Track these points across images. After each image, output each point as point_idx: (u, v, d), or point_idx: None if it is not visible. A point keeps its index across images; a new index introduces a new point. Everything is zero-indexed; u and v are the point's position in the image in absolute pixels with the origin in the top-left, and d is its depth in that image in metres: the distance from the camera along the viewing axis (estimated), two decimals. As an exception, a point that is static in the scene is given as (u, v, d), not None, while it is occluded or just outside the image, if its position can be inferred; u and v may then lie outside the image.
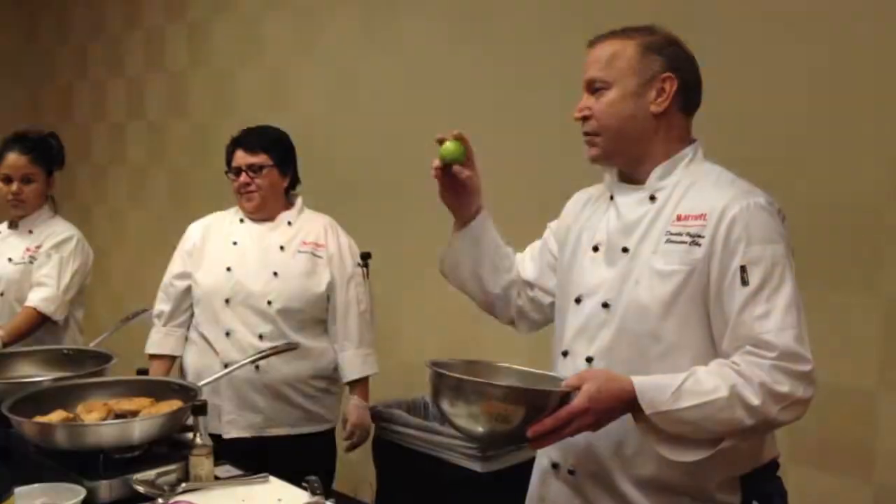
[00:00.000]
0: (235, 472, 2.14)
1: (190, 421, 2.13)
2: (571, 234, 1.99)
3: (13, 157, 3.30)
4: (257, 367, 2.84)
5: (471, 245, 2.05)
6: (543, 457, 1.96)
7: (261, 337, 2.88)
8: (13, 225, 3.40)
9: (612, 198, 1.91)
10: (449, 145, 1.93)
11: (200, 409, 2.08)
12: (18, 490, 1.85)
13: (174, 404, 2.19)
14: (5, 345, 3.04)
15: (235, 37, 4.74)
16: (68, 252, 3.31)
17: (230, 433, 2.89)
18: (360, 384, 3.03)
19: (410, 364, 3.52)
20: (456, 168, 1.94)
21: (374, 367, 3.05)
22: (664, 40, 1.84)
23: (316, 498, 1.97)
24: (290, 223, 3.02)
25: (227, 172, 3.03)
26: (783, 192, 2.08)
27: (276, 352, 2.71)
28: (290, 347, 2.77)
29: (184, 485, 2.01)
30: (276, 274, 2.93)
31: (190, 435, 2.09)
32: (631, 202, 1.86)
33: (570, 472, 1.88)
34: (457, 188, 1.99)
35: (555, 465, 1.91)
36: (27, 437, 2.11)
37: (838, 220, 2.62)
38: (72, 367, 2.63)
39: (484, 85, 3.52)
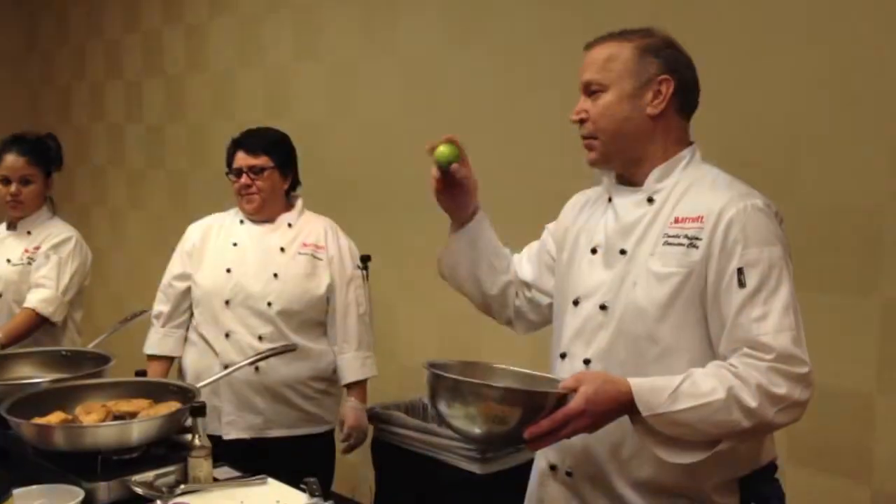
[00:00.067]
0: (234, 473, 2.14)
1: (188, 422, 2.13)
2: (569, 236, 1.99)
3: (11, 159, 3.30)
4: (257, 368, 2.84)
5: (468, 245, 2.06)
6: (541, 458, 1.97)
7: (260, 338, 2.89)
8: (12, 226, 3.40)
9: (610, 200, 1.91)
10: (442, 149, 1.94)
11: (199, 411, 2.08)
12: (17, 491, 1.86)
13: (173, 406, 2.19)
14: (4, 346, 3.04)
15: (234, 38, 4.74)
16: (67, 253, 3.31)
17: (230, 434, 2.90)
18: (357, 386, 3.03)
19: (409, 366, 3.53)
20: (454, 167, 1.95)
21: (373, 370, 3.05)
22: (661, 42, 1.84)
23: (315, 499, 1.97)
24: (290, 225, 3.02)
25: (227, 174, 3.03)
26: (781, 194, 2.08)
27: (274, 353, 2.72)
28: (289, 349, 2.77)
29: (182, 486, 2.01)
30: (275, 275, 2.93)
31: (188, 436, 2.09)
32: (629, 204, 1.86)
33: (568, 474, 1.88)
34: (454, 190, 2.00)
35: (553, 467, 1.91)
36: (25, 439, 2.11)
37: (836, 222, 2.62)
38: (70, 369, 2.63)
39: (483, 86, 3.53)
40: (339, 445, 3.05)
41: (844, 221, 2.61)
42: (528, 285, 2.09)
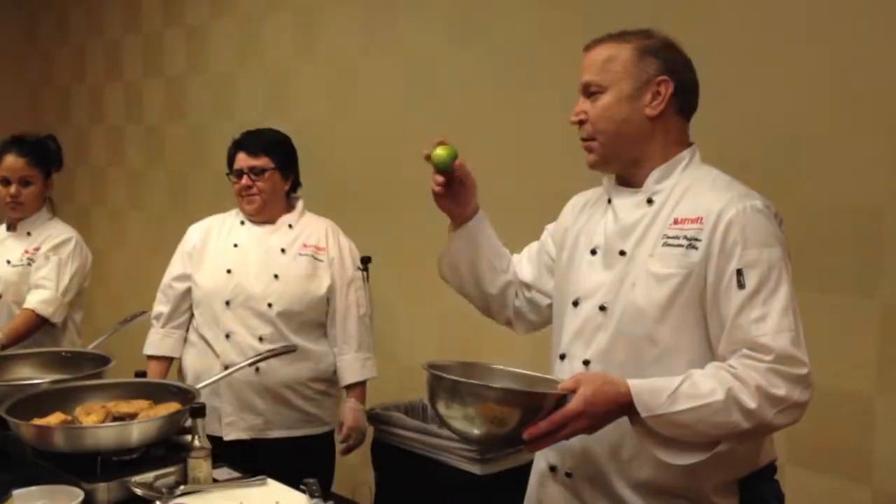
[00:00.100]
0: (234, 474, 2.14)
1: (188, 423, 2.13)
2: (569, 236, 1.99)
3: (11, 160, 3.30)
4: (257, 369, 2.85)
5: (468, 244, 2.06)
6: (541, 459, 1.97)
7: (261, 339, 2.89)
8: (11, 227, 3.40)
9: (609, 201, 1.91)
10: (439, 151, 1.94)
11: (199, 412, 2.09)
12: (17, 492, 1.86)
13: (172, 407, 2.19)
14: (3, 347, 3.04)
15: (234, 39, 4.73)
16: (67, 254, 3.31)
17: (230, 435, 2.90)
18: (357, 387, 3.03)
19: (409, 366, 3.52)
20: (457, 162, 1.95)
21: (373, 372, 3.05)
22: (660, 43, 1.84)
23: (314, 500, 1.97)
24: (290, 226, 3.02)
25: (228, 175, 3.03)
26: (781, 195, 2.08)
27: (274, 354, 2.72)
28: (289, 350, 2.78)
29: (182, 487, 2.02)
30: (276, 276, 2.93)
31: (188, 437, 2.09)
32: (628, 205, 1.86)
33: (568, 475, 1.88)
34: (455, 189, 2.00)
35: (552, 468, 1.91)
36: (25, 440, 2.11)
37: (836, 222, 2.62)
38: (70, 370, 2.63)
39: (483, 87, 3.52)
40: (339, 446, 3.05)
41: (844, 221, 2.60)
42: (527, 286, 2.09)
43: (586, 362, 1.84)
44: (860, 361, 2.58)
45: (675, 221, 1.78)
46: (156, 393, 2.32)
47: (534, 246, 2.14)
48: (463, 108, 3.56)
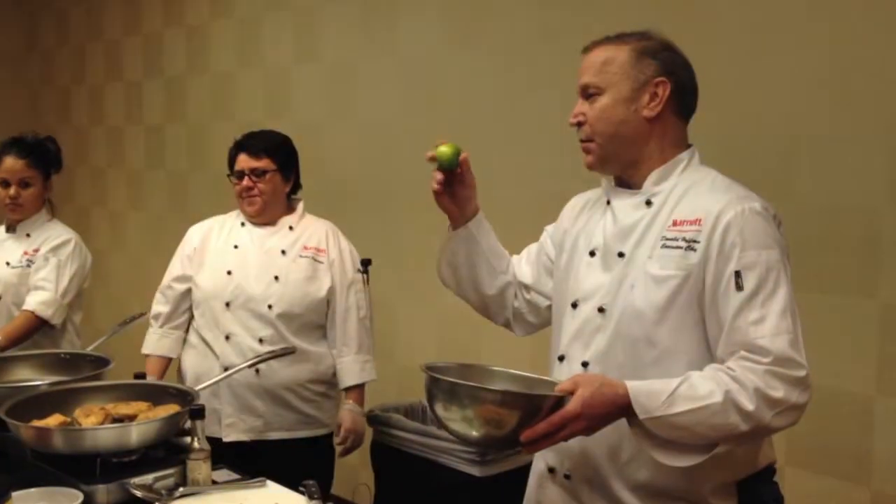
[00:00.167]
0: (233, 476, 2.14)
1: (188, 425, 2.13)
2: (568, 238, 1.99)
3: (10, 161, 3.30)
4: (257, 370, 2.85)
5: (467, 245, 2.05)
6: (540, 461, 1.96)
7: (261, 341, 2.89)
8: (11, 228, 3.39)
9: (608, 202, 1.91)
10: (444, 149, 1.94)
11: (198, 414, 2.08)
12: (16, 494, 1.86)
13: (172, 408, 2.19)
14: (3, 348, 3.03)
15: (234, 39, 4.74)
16: (66, 255, 3.31)
17: (230, 436, 2.90)
18: (355, 389, 3.03)
19: (408, 368, 3.53)
20: (463, 157, 1.95)
21: (373, 374, 3.05)
22: (658, 45, 1.84)
23: (314, 502, 1.97)
24: (291, 228, 3.02)
25: (229, 176, 3.03)
26: (781, 195, 2.08)
27: (274, 356, 2.71)
28: (288, 352, 2.77)
29: (181, 489, 2.01)
30: (276, 278, 2.93)
31: (187, 439, 2.08)
32: (627, 207, 1.86)
33: (566, 477, 1.88)
34: (456, 188, 1.99)
35: (551, 470, 1.91)
36: (24, 442, 2.10)
37: (836, 222, 2.62)
38: (69, 371, 2.62)
39: (483, 87, 3.53)
40: (337, 449, 3.05)
41: (844, 221, 2.60)
42: (526, 287, 2.09)
43: (585, 364, 1.84)
44: (860, 361, 2.58)
45: (674, 223, 1.78)
46: (155, 394, 2.31)
47: (533, 247, 2.13)
48: (462, 109, 3.56)
